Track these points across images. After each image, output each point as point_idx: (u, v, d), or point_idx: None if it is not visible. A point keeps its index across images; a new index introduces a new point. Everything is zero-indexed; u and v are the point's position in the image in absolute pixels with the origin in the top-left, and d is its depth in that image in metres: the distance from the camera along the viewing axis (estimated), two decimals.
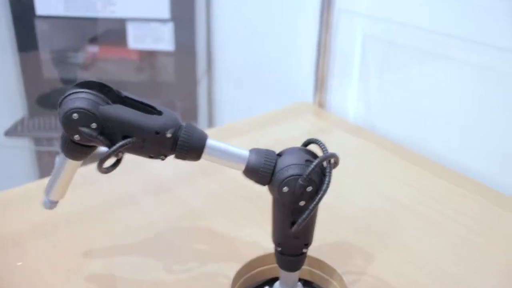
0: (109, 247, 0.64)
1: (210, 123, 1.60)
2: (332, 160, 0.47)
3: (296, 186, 0.46)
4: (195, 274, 0.60)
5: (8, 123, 1.50)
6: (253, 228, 0.69)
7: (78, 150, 0.49)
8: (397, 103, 0.99)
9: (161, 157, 0.49)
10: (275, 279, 0.59)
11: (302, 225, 0.47)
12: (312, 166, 0.46)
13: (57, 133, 1.48)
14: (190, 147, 0.48)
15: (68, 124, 0.46)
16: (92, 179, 0.80)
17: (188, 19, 1.40)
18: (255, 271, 0.63)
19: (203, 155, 0.49)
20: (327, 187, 0.46)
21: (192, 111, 1.51)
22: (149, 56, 1.49)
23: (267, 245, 0.64)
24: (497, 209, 0.75)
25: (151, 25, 1.38)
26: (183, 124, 0.48)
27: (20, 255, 0.63)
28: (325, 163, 0.47)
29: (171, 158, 0.80)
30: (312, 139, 0.50)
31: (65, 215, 0.70)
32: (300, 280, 0.61)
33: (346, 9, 1.03)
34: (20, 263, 0.62)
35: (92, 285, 0.58)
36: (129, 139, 0.46)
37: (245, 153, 0.49)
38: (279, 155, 0.49)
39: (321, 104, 1.13)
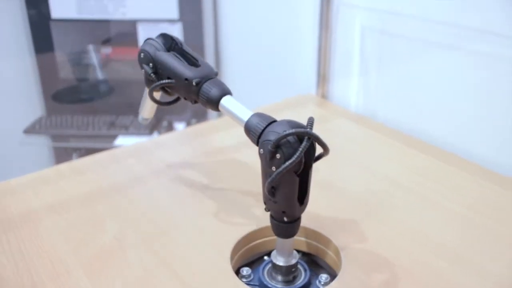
0: (118, 221, 0.69)
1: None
2: (309, 139, 0.48)
3: (267, 150, 0.50)
4: (196, 246, 0.64)
5: (27, 122, 1.57)
6: (252, 203, 0.72)
7: (148, 81, 0.64)
8: (396, 92, 1.02)
9: (192, 100, 0.60)
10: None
11: (268, 188, 0.51)
12: (280, 135, 0.48)
13: (73, 130, 1.54)
14: (209, 97, 0.57)
15: (138, 59, 0.63)
16: (103, 165, 0.85)
17: (196, 20, 1.45)
18: (254, 243, 0.67)
19: (220, 107, 0.58)
20: (295, 159, 0.48)
21: (202, 107, 1.55)
22: None
23: (266, 219, 0.68)
24: (495, 187, 0.77)
25: (160, 25, 1.44)
26: (213, 77, 0.58)
27: (34, 227, 0.67)
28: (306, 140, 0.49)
29: (175, 145, 0.85)
30: (310, 117, 0.52)
31: (77, 196, 0.75)
32: (298, 252, 0.65)
33: (345, 3, 1.07)
34: None
35: (103, 251, 0.63)
36: (168, 80, 0.60)
37: (249, 114, 0.55)
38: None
39: (324, 95, 1.16)
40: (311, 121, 0.51)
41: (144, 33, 1.45)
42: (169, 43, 0.62)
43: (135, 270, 0.60)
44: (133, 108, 1.63)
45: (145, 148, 0.92)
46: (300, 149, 0.48)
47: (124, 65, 1.56)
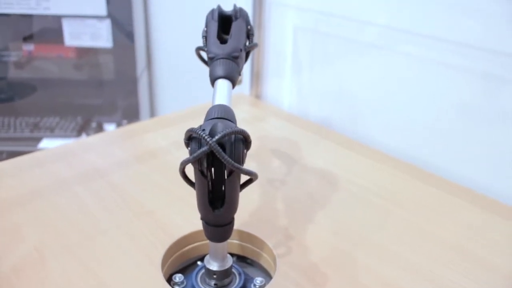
0: (39, 229, 0.64)
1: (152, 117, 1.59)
2: (204, 137, 0.45)
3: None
4: (125, 253, 0.61)
5: None
6: (184, 207, 0.70)
7: None
8: (329, 92, 1.03)
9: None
10: None
11: (181, 175, 0.49)
12: (190, 129, 0.46)
13: None
14: (211, 74, 0.58)
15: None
16: (23, 169, 0.79)
17: (126, 17, 1.40)
18: (187, 248, 0.65)
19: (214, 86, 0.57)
20: (187, 161, 0.46)
21: (133, 107, 1.50)
22: (87, 54, 1.47)
23: (199, 224, 0.66)
24: (417, 182, 0.80)
25: (87, 21, 1.37)
26: (225, 58, 0.58)
27: None
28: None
29: (103, 147, 0.81)
30: (237, 129, 0.47)
31: None
32: (233, 255, 0.63)
33: (277, 2, 1.07)
34: None
35: (20, 263, 0.58)
36: (200, 46, 0.63)
37: (216, 102, 0.53)
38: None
39: (257, 95, 1.16)
40: (222, 132, 0.45)
41: (69, 29, 1.38)
42: (233, 14, 0.65)
43: (57, 282, 0.55)
44: (58, 109, 1.56)
45: (71, 150, 0.87)
46: (193, 155, 0.45)
47: (48, 63, 1.48)
